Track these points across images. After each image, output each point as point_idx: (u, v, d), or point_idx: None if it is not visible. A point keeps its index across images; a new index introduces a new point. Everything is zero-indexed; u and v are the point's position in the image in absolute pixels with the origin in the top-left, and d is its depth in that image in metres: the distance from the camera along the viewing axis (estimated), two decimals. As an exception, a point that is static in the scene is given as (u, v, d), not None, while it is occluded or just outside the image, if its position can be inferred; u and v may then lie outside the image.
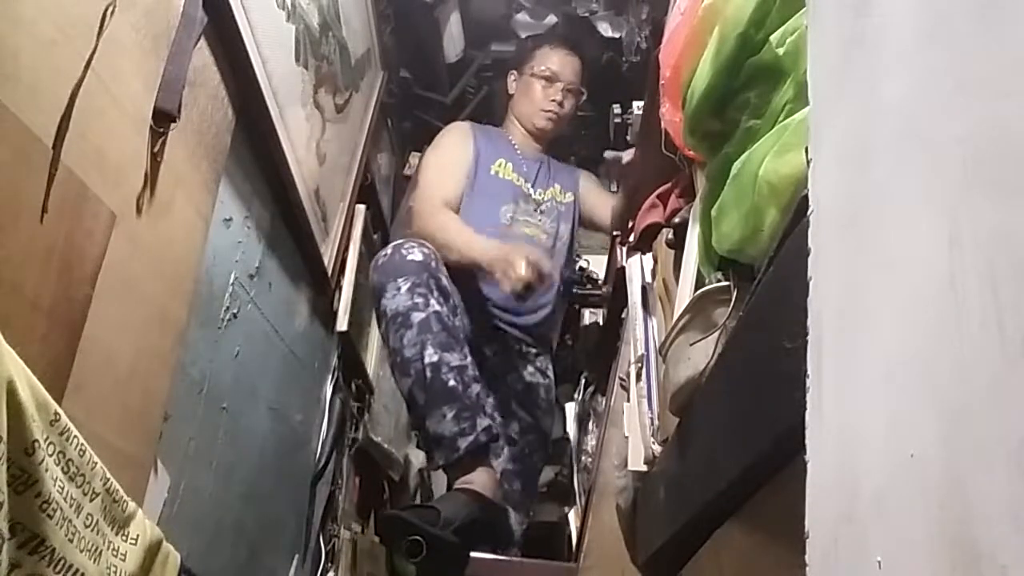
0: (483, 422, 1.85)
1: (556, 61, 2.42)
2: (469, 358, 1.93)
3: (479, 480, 1.81)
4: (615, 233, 1.89)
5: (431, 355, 1.86)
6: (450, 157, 2.36)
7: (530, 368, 2.33)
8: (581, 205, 2.53)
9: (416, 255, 1.98)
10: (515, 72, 2.50)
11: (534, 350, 2.35)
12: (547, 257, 2.19)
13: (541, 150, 2.51)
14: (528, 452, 2.26)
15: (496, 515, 1.90)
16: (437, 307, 1.92)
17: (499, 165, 2.40)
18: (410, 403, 1.92)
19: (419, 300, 1.91)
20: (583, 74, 2.46)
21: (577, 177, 2.60)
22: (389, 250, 2.03)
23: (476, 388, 1.90)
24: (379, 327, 2.06)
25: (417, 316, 1.89)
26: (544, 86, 2.42)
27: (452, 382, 1.85)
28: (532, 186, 2.44)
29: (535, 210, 2.41)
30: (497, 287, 2.06)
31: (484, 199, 2.33)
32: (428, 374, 1.85)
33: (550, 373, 2.41)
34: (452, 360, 1.88)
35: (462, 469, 1.82)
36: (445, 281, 2.01)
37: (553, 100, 2.41)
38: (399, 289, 1.93)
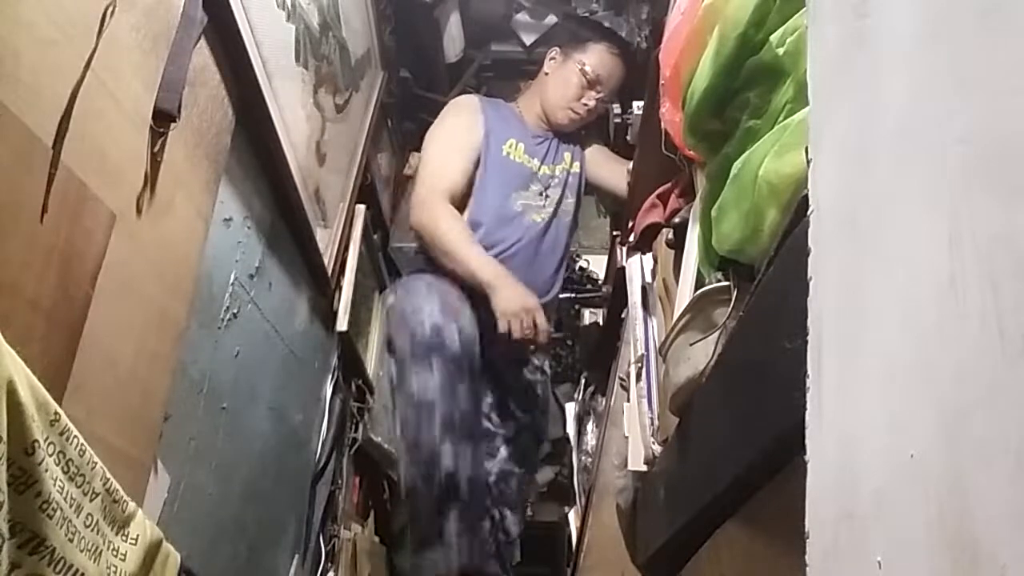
0: (480, 546, 1.81)
1: (608, 67, 2.23)
2: (482, 445, 1.91)
3: None
4: (615, 233, 1.89)
5: (447, 460, 1.79)
6: (457, 139, 2.20)
7: (530, 366, 2.27)
8: (588, 173, 2.40)
9: (455, 339, 1.88)
10: (560, 51, 2.30)
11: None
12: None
13: (547, 129, 2.36)
14: (525, 452, 2.21)
15: None
16: (464, 402, 1.85)
17: (510, 146, 2.26)
18: (410, 491, 1.84)
19: (447, 389, 1.83)
20: (621, 87, 2.29)
21: (582, 151, 2.44)
22: (426, 323, 1.89)
23: (483, 498, 1.86)
24: (392, 382, 1.97)
25: (441, 411, 1.81)
26: (583, 85, 2.24)
27: (463, 493, 1.79)
28: (541, 162, 2.31)
29: (541, 193, 2.31)
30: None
31: (495, 185, 2.21)
32: (442, 479, 1.78)
33: (547, 369, 2.36)
34: (467, 466, 1.82)
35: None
36: (478, 359, 1.94)
37: (585, 104, 2.25)
38: (432, 370, 1.83)
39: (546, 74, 2.33)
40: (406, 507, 1.92)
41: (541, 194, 2.29)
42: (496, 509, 2.04)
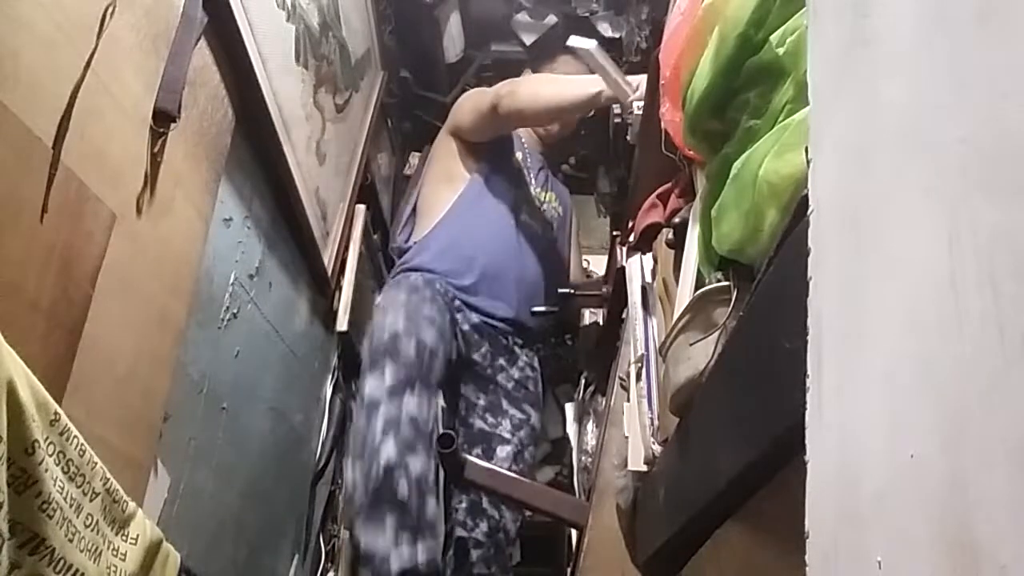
0: (424, 553, 1.65)
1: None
2: (433, 463, 1.74)
3: None
4: (615, 233, 1.88)
5: (389, 452, 1.70)
6: None
7: (520, 363, 2.27)
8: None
9: (410, 348, 1.85)
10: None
11: (520, 341, 2.28)
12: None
13: (543, 153, 2.50)
14: (521, 448, 2.18)
15: None
16: (413, 407, 1.78)
17: (518, 155, 2.37)
18: (349, 492, 1.75)
19: (396, 392, 1.78)
20: None
21: (568, 201, 2.58)
22: (387, 330, 1.89)
23: (431, 504, 1.71)
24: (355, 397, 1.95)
25: (385, 412, 1.76)
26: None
27: (403, 490, 1.67)
28: (535, 186, 2.40)
29: (535, 202, 2.38)
30: (487, 288, 2.10)
31: (506, 183, 2.28)
32: (379, 472, 1.68)
33: (536, 365, 2.35)
34: (413, 465, 1.71)
35: None
36: (437, 371, 1.89)
37: (547, 130, 2.39)
38: (383, 374, 1.81)
39: None
40: (346, 514, 1.83)
41: (539, 211, 2.37)
42: (495, 510, 2.03)
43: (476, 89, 2.36)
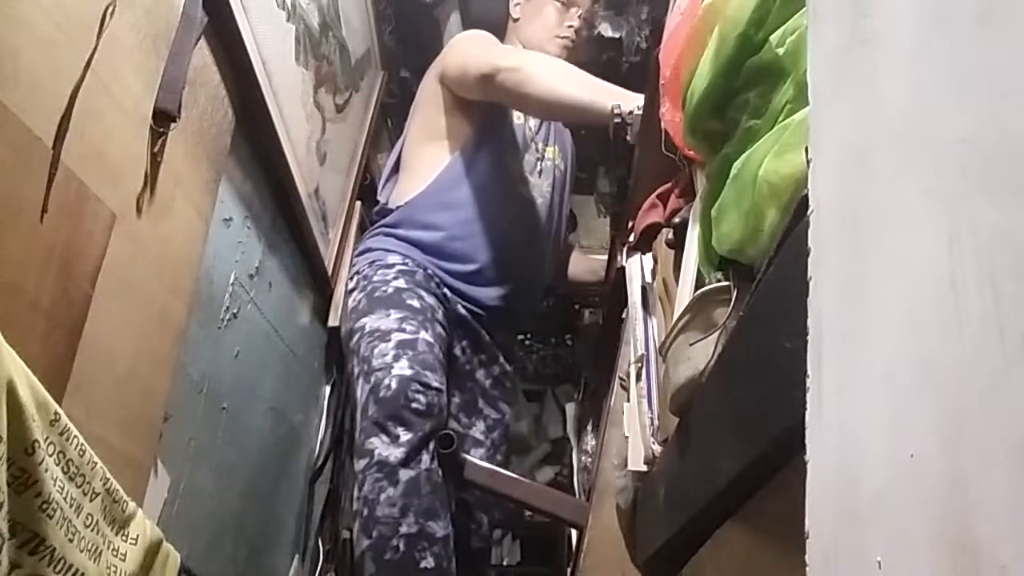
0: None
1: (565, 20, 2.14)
2: (450, 527, 1.56)
3: None
4: (615, 233, 1.88)
5: (409, 525, 1.49)
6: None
7: (500, 359, 2.07)
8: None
9: (420, 402, 1.60)
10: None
11: (502, 335, 2.08)
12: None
13: None
14: (494, 451, 2.02)
15: None
16: (428, 465, 1.58)
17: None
18: (357, 564, 1.53)
19: (413, 458, 1.55)
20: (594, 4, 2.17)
21: (570, 147, 2.28)
22: (389, 375, 1.62)
23: (454, 568, 1.54)
24: (354, 432, 1.68)
25: (406, 474, 1.53)
26: (560, 10, 2.12)
27: (427, 563, 1.48)
28: (537, 139, 2.14)
29: (534, 169, 2.12)
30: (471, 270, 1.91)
31: (504, 143, 2.04)
32: (401, 549, 1.48)
33: (513, 358, 2.17)
34: (436, 530, 1.51)
35: None
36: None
37: (570, 26, 2.10)
38: (397, 439, 1.57)
39: (516, 20, 2.20)
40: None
41: (535, 169, 2.13)
42: (478, 513, 1.95)
43: (473, 36, 2.07)
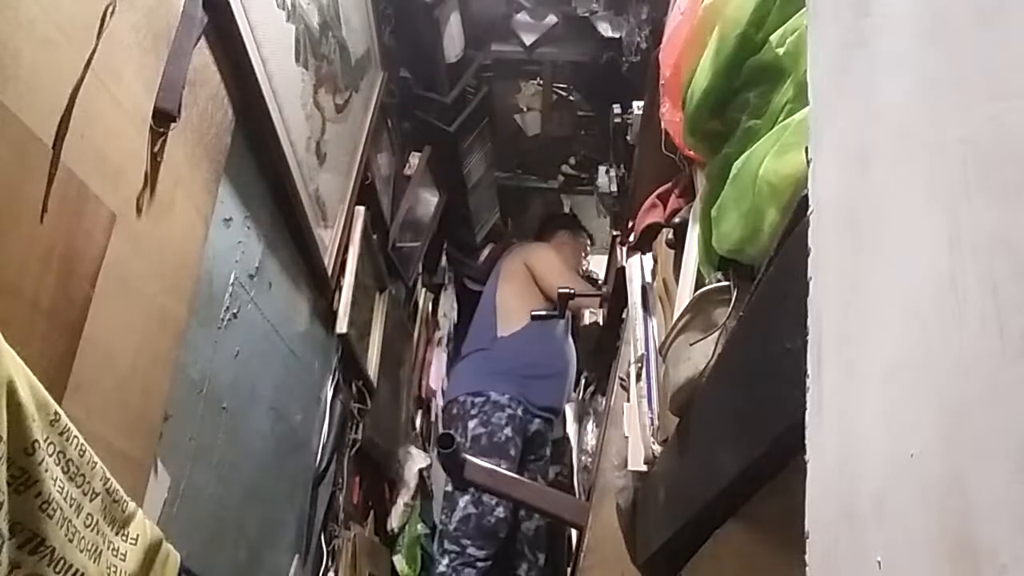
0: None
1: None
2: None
3: None
4: (615, 233, 1.88)
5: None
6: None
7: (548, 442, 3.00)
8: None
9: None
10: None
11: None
12: None
13: None
14: (481, 496, 2.63)
15: None
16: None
17: None
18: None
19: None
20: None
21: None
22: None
23: None
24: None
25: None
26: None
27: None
28: None
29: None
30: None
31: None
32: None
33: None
34: None
35: None
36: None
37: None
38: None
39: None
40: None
41: None
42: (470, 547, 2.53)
43: (549, 263, 2.97)
